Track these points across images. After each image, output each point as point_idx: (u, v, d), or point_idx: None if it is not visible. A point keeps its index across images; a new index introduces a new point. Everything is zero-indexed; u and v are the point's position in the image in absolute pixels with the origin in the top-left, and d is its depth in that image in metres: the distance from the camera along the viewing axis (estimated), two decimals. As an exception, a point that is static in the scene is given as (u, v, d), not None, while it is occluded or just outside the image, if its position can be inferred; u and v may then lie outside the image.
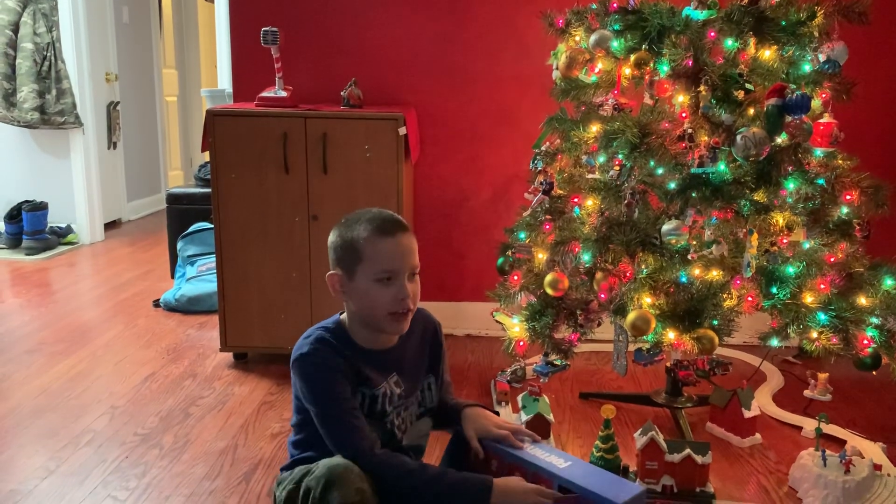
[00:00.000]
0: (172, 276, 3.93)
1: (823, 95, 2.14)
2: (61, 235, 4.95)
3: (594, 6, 2.31)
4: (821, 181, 2.14)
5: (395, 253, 1.45)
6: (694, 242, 2.12)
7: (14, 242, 4.77)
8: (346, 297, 1.51)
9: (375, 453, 1.44)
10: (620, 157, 2.12)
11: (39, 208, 4.76)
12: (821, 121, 2.10)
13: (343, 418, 1.44)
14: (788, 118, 2.01)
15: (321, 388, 1.45)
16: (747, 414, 2.29)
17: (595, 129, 2.27)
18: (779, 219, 2.06)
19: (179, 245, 3.86)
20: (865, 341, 2.09)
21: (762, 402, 2.56)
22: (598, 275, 2.17)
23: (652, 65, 2.14)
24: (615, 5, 2.23)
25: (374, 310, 1.47)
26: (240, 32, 3.16)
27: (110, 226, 5.57)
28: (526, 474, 1.50)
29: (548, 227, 2.39)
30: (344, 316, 1.56)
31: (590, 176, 2.33)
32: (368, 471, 1.39)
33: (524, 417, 2.22)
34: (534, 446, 1.56)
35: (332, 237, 1.52)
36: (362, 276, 1.45)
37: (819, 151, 2.14)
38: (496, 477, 1.51)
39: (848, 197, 2.16)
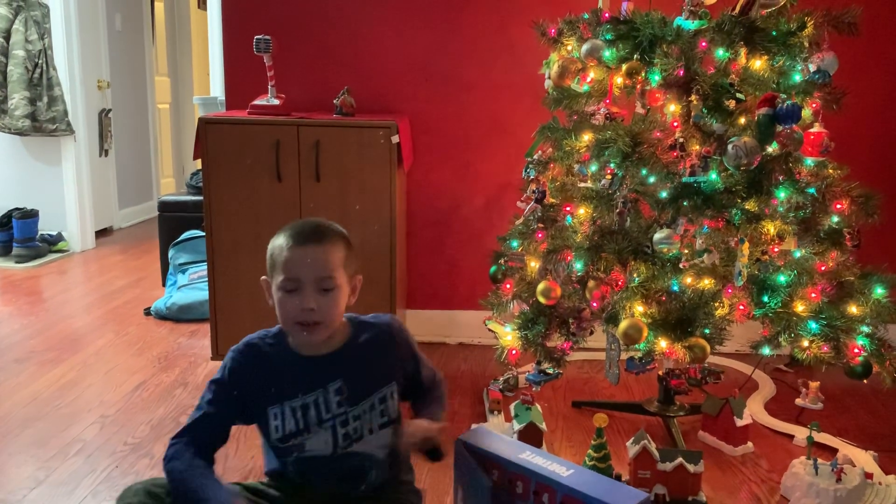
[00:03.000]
0: (164, 284, 3.91)
1: (814, 105, 2.15)
2: (52, 243, 4.93)
3: (586, 16, 2.32)
4: (811, 190, 2.15)
5: (299, 263, 1.42)
6: (685, 251, 2.12)
7: (4, 250, 4.75)
8: (272, 303, 1.50)
9: (175, 447, 1.45)
10: (612, 165, 2.13)
11: (30, 216, 4.75)
12: (811, 130, 2.12)
13: (194, 419, 1.48)
14: (779, 128, 2.02)
15: (208, 388, 1.50)
16: (739, 422, 2.29)
17: (587, 138, 2.28)
18: (770, 228, 2.07)
19: (171, 253, 3.85)
20: (856, 350, 2.10)
21: (754, 411, 2.56)
22: (591, 283, 2.17)
23: (643, 74, 2.14)
24: (607, 15, 2.24)
25: (284, 319, 1.46)
26: (232, 40, 3.16)
27: (101, 233, 5.55)
28: (529, 483, 1.49)
29: (540, 235, 2.39)
30: None
31: (582, 185, 2.33)
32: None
33: (517, 426, 2.21)
34: (533, 454, 1.55)
35: None
36: (274, 284, 1.46)
37: (810, 161, 2.16)
38: (498, 486, 1.51)
39: (838, 206, 2.17)
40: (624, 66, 2.14)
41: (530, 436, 2.19)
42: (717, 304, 2.14)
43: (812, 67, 2.11)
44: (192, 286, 3.68)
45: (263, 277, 1.50)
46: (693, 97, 2.06)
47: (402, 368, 1.59)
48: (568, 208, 2.36)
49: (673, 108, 2.15)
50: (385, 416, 1.54)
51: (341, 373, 1.50)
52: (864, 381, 2.17)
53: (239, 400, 1.50)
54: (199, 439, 1.47)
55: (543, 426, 2.24)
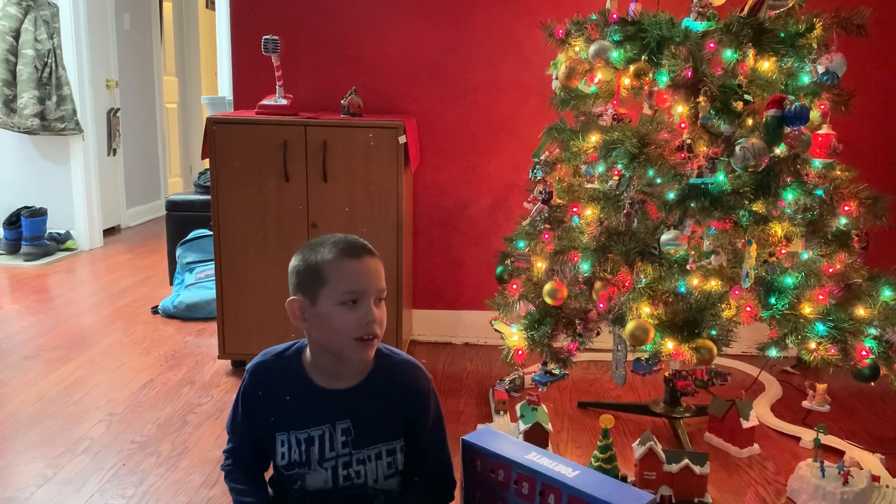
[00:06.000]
0: (171, 283, 3.93)
1: (822, 106, 2.15)
2: (60, 241, 4.95)
3: (594, 17, 2.32)
4: (819, 192, 2.15)
5: (361, 274, 1.38)
6: (693, 252, 2.12)
7: (13, 248, 4.77)
8: (307, 325, 1.43)
9: (227, 467, 1.56)
10: (619, 166, 2.13)
11: (39, 214, 4.77)
12: (819, 132, 2.11)
13: (230, 436, 1.59)
14: (787, 129, 2.02)
15: (234, 407, 1.56)
16: (746, 424, 2.29)
17: (594, 138, 2.28)
18: (777, 229, 2.07)
19: (178, 252, 3.86)
20: (864, 352, 2.09)
21: (760, 413, 2.55)
22: (597, 284, 2.17)
23: (651, 75, 2.15)
24: (615, 16, 2.24)
25: (339, 335, 1.39)
26: (240, 40, 3.17)
27: (109, 232, 5.57)
28: (534, 483, 1.49)
29: (547, 236, 2.39)
30: (307, 347, 1.49)
31: (589, 185, 2.33)
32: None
33: (522, 426, 2.22)
34: (540, 454, 1.55)
35: (293, 262, 1.45)
36: (326, 299, 1.38)
37: (818, 162, 2.15)
38: (503, 487, 1.51)
39: (846, 208, 2.16)
40: (632, 67, 2.14)
41: (536, 436, 2.19)
42: (724, 306, 2.13)
43: (820, 69, 2.10)
44: (199, 285, 3.69)
45: (292, 298, 1.42)
46: (701, 98, 2.06)
47: (419, 426, 1.52)
48: (575, 209, 2.35)
49: (680, 109, 2.14)
50: (392, 469, 1.50)
51: (351, 413, 1.46)
52: (872, 383, 2.17)
53: (253, 421, 1.51)
54: (245, 461, 1.56)
55: (549, 427, 2.24)
